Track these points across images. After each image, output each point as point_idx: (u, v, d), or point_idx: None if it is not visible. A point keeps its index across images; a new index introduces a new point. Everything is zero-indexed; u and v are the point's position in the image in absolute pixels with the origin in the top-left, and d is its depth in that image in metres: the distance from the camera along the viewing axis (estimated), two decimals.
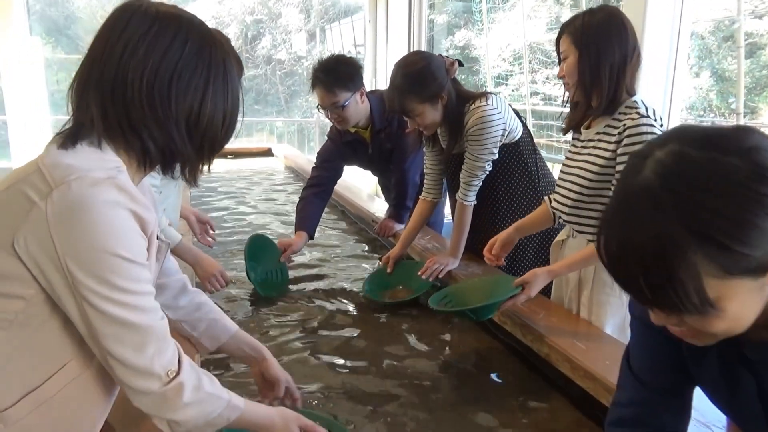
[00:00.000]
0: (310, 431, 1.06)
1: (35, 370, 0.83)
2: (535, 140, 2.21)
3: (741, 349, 0.75)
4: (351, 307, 2.04)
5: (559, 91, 10.56)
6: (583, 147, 1.61)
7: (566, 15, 9.89)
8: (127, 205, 0.81)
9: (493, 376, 1.57)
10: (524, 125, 2.11)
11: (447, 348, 1.76)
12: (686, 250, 0.60)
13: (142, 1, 0.88)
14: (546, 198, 1.80)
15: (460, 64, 2.01)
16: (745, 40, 8.52)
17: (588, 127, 1.61)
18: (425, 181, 2.26)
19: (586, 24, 1.51)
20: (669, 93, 2.73)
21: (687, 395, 0.90)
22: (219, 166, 4.93)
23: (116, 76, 0.85)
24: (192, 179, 0.97)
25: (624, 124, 1.47)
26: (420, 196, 2.29)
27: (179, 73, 0.87)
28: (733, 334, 0.67)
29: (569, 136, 1.72)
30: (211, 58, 0.90)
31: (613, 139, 1.50)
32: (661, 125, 1.48)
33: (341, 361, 1.64)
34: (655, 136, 1.40)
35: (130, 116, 0.86)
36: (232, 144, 1.05)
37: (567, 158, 1.69)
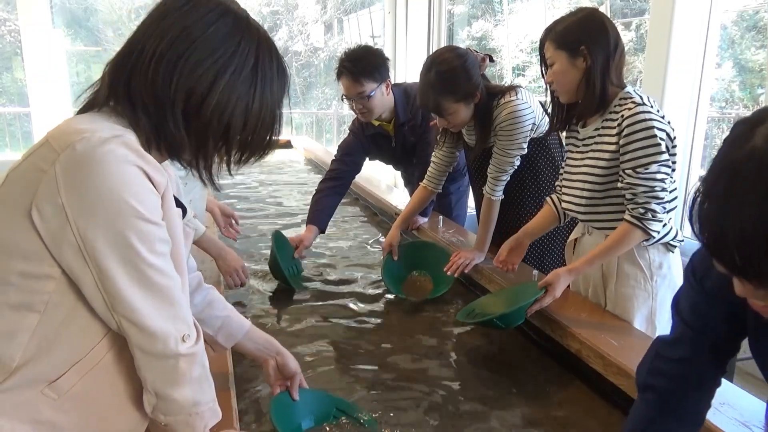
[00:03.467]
0: None
1: (78, 343, 0.85)
2: None
3: None
4: (368, 298, 2.04)
5: None
6: (584, 145, 1.63)
7: (585, 5, 9.76)
8: (136, 162, 0.79)
9: (522, 372, 1.56)
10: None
11: (471, 343, 1.75)
12: None
13: None
14: (549, 198, 1.81)
15: (491, 59, 1.99)
16: None
17: (584, 126, 1.62)
18: (429, 170, 2.26)
19: (569, 27, 1.53)
20: (698, 85, 2.69)
21: (733, 353, 0.91)
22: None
23: (135, 43, 0.86)
24: (200, 175, 0.92)
25: (622, 115, 1.49)
26: (421, 183, 2.30)
27: (194, 50, 0.84)
28: None
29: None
30: (240, 46, 0.87)
31: (614, 132, 1.51)
32: (659, 111, 1.49)
33: (354, 355, 1.64)
34: (654, 121, 1.44)
35: (130, 83, 0.85)
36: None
37: (569, 158, 1.70)
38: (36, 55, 5.59)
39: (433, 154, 2.26)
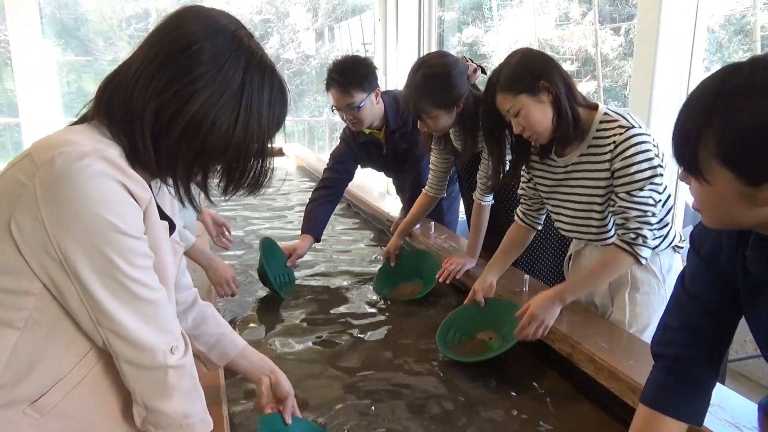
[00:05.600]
0: None
1: (61, 361, 0.84)
2: None
3: None
4: (361, 307, 2.04)
5: None
6: (566, 173, 1.61)
7: (575, 10, 9.83)
8: (115, 177, 0.78)
9: (514, 376, 1.57)
10: None
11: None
12: (706, 124, 0.74)
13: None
14: (517, 216, 1.80)
15: (483, 71, 2.00)
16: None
17: (562, 155, 1.60)
18: (429, 176, 2.28)
19: (517, 70, 1.49)
20: (686, 88, 2.71)
21: (732, 326, 0.97)
22: None
23: (129, 59, 0.87)
24: (177, 195, 0.90)
25: (613, 141, 1.48)
26: (423, 190, 2.31)
27: (169, 69, 0.83)
28: (718, 224, 0.82)
29: None
30: (222, 69, 0.85)
31: (605, 158, 1.50)
32: (647, 129, 1.49)
33: (345, 365, 1.64)
34: (647, 143, 1.45)
35: (113, 99, 0.85)
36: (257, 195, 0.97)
37: (551, 188, 1.67)
38: (26, 65, 5.56)
39: (431, 160, 2.27)
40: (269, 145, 0.93)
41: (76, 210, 0.76)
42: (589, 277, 1.55)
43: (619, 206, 1.49)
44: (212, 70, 0.84)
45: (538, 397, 1.46)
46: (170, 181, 0.92)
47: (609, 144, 1.49)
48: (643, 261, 1.49)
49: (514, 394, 1.48)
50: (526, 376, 1.56)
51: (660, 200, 1.48)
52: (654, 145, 1.47)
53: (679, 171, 0.83)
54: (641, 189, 1.45)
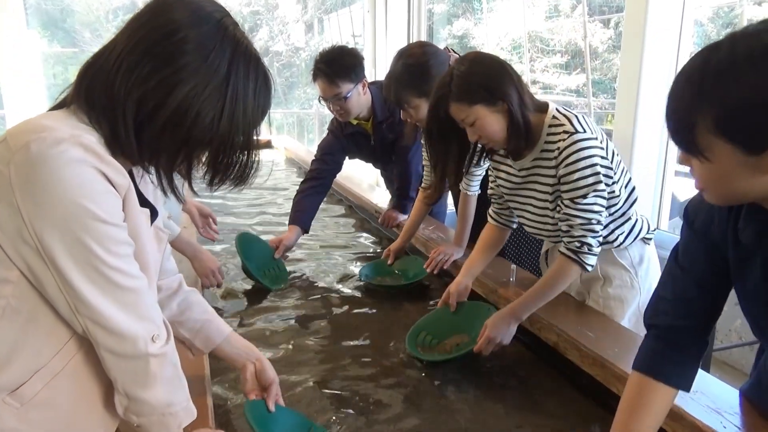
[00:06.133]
0: None
1: (41, 350, 0.83)
2: None
3: None
4: (349, 300, 2.04)
5: (558, 79, 10.54)
6: (522, 178, 1.61)
7: (564, 2, 9.85)
8: (92, 163, 0.77)
9: (499, 365, 1.58)
10: None
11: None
12: (701, 104, 0.75)
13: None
14: (490, 216, 1.80)
15: None
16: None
17: (518, 159, 1.59)
18: (425, 172, 2.26)
19: (469, 80, 1.44)
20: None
21: (722, 296, 1.01)
22: None
23: (109, 45, 0.85)
24: (160, 186, 0.89)
25: (558, 147, 1.47)
26: (420, 187, 2.30)
27: (152, 57, 0.81)
28: (722, 200, 0.84)
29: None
30: (208, 59, 0.83)
31: (552, 164, 1.50)
32: (593, 133, 1.46)
33: (330, 355, 1.64)
34: (591, 149, 1.43)
35: (93, 85, 0.83)
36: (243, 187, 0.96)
37: (511, 190, 1.67)
38: (10, 56, 5.49)
39: (423, 156, 2.26)
40: (255, 137, 0.91)
41: (53, 196, 0.75)
42: (541, 290, 1.54)
43: (564, 213, 1.48)
44: (197, 60, 0.82)
45: (523, 385, 1.47)
46: (153, 170, 0.91)
47: (555, 150, 1.48)
48: (589, 268, 1.50)
49: (500, 383, 1.49)
50: (513, 365, 1.57)
51: (604, 208, 1.47)
52: (601, 148, 1.45)
53: (678, 155, 0.84)
54: (585, 196, 1.44)
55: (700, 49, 0.80)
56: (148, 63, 0.81)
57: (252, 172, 0.94)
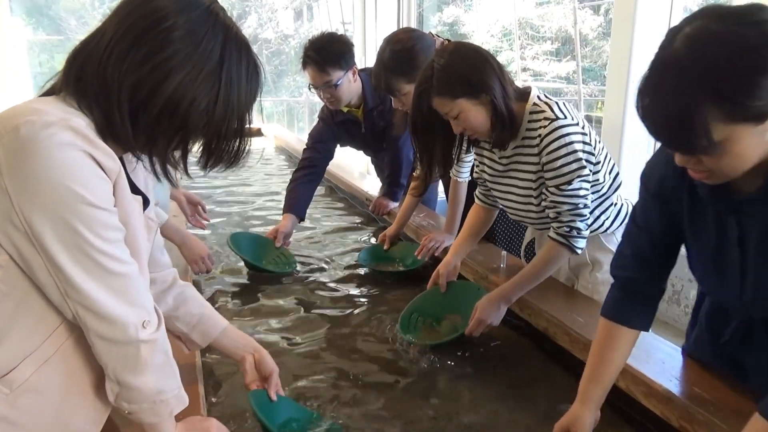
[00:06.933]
0: None
1: (30, 334, 0.83)
2: None
3: (732, 200, 0.93)
4: (344, 288, 2.04)
5: (549, 67, 10.52)
6: (505, 166, 1.61)
7: None
8: (82, 147, 0.77)
9: (490, 351, 1.59)
10: None
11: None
12: (700, 102, 0.77)
13: None
14: (476, 197, 1.80)
15: None
16: None
17: (503, 148, 1.59)
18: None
19: (452, 72, 1.43)
20: None
21: (673, 251, 1.11)
22: None
23: (98, 30, 0.84)
24: (153, 171, 0.89)
25: (539, 134, 1.47)
26: (414, 174, 2.29)
27: (145, 42, 0.81)
28: (738, 173, 0.84)
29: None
30: (201, 44, 0.83)
31: (534, 151, 1.50)
32: (573, 119, 1.46)
33: (331, 343, 1.65)
34: (572, 135, 1.44)
35: (84, 71, 0.83)
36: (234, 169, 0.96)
37: (493, 177, 1.67)
38: None
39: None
40: (248, 120, 0.92)
41: (41, 180, 0.74)
42: (531, 273, 1.56)
43: (551, 201, 1.49)
44: (189, 45, 0.82)
45: (513, 371, 1.48)
46: (144, 156, 0.90)
47: (536, 137, 1.49)
48: (579, 251, 1.52)
49: (491, 368, 1.50)
50: (504, 350, 1.58)
51: (588, 192, 1.49)
52: (580, 139, 1.45)
53: (679, 158, 0.87)
54: (569, 182, 1.45)
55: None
56: (140, 49, 0.81)
57: (245, 153, 0.94)
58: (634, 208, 1.14)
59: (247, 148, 0.94)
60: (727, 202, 0.93)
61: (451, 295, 1.72)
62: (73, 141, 0.77)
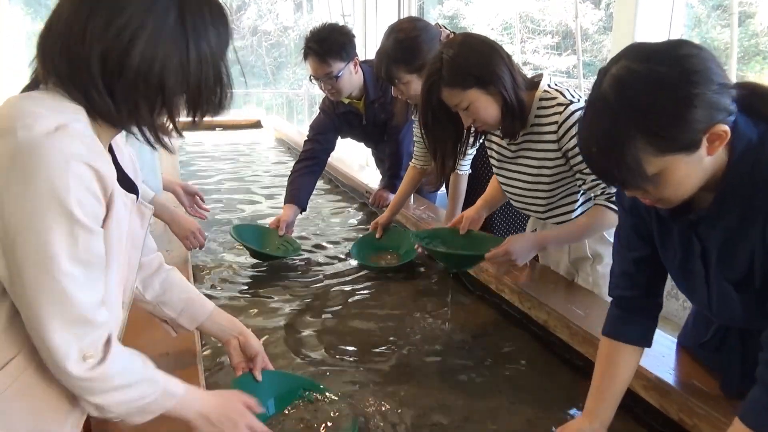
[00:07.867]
0: (255, 426, 1.02)
1: (8, 342, 0.80)
2: None
3: (689, 218, 0.96)
4: (342, 278, 2.04)
5: (549, 61, 10.51)
6: (513, 152, 1.61)
7: None
8: (82, 158, 0.75)
9: (490, 343, 1.59)
10: None
11: (442, 315, 1.77)
12: (630, 141, 0.82)
13: None
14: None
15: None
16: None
17: (514, 138, 1.59)
18: (415, 149, 2.27)
19: (461, 64, 1.42)
20: None
21: (658, 265, 1.10)
22: (207, 138, 4.88)
23: (56, 9, 0.82)
24: (145, 140, 0.87)
25: (555, 122, 1.47)
26: (410, 164, 2.30)
27: (100, 9, 0.79)
28: (682, 198, 0.89)
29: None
30: (155, 1, 0.81)
31: (548, 138, 1.50)
32: (579, 96, 1.49)
33: (329, 332, 1.65)
34: None
35: (53, 54, 0.81)
36: (221, 116, 0.96)
37: (499, 163, 1.68)
38: None
39: (414, 132, 2.25)
40: (225, 66, 0.90)
41: (31, 187, 0.73)
42: (572, 230, 1.57)
43: (591, 183, 1.50)
44: (144, 3, 0.80)
45: (513, 364, 1.49)
46: (134, 129, 0.88)
47: (551, 124, 1.48)
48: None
49: (490, 360, 1.50)
50: (503, 344, 1.58)
51: None
52: None
53: (626, 191, 0.92)
54: None
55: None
56: (97, 20, 0.79)
57: (227, 99, 0.92)
58: (618, 228, 1.16)
59: (229, 93, 0.92)
60: (686, 220, 0.97)
61: (468, 239, 1.74)
62: (72, 151, 0.75)
